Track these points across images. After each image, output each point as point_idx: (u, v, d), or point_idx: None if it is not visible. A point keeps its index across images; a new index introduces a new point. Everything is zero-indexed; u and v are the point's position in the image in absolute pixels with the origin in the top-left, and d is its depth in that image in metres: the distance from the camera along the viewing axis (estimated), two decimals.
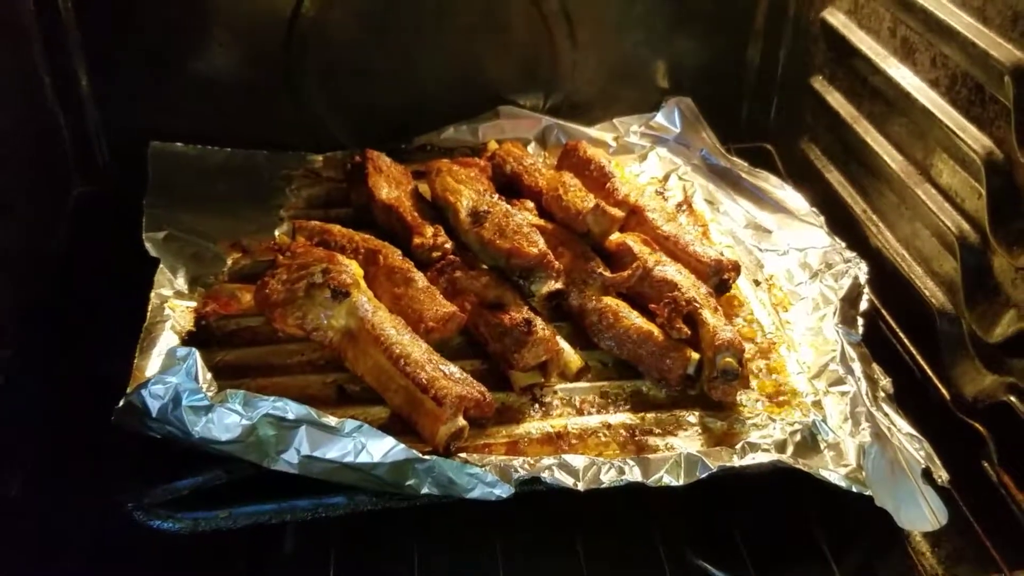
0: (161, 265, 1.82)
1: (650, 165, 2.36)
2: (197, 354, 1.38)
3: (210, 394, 1.37)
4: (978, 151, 1.65)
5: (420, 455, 1.39)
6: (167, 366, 1.38)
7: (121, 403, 1.41)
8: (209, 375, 1.41)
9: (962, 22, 1.68)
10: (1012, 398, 1.61)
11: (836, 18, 2.15)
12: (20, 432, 1.69)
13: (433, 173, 2.07)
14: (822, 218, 2.10)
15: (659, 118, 2.47)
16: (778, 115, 2.51)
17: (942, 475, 1.54)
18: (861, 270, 1.93)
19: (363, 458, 1.36)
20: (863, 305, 1.87)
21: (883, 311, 1.96)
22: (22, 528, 1.54)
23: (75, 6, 2.14)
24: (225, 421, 1.35)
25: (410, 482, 1.39)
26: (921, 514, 1.50)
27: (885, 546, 1.57)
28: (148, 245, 1.87)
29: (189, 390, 1.36)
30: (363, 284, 1.71)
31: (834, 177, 2.22)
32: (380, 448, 1.37)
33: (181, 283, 1.81)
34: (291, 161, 2.28)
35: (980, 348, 1.68)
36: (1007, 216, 1.59)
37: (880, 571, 1.58)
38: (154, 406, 1.36)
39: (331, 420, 1.38)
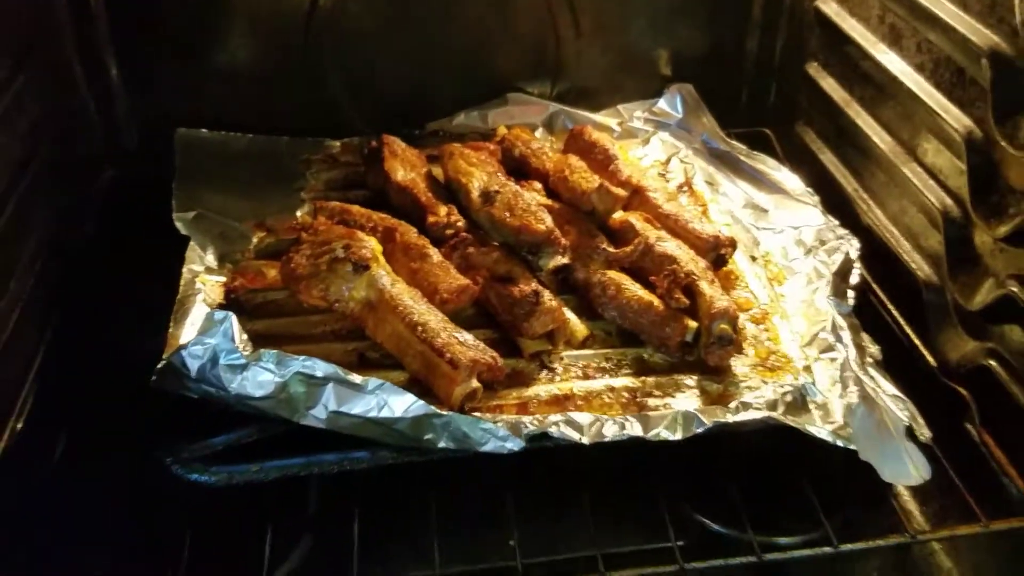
0: (191, 243, 1.92)
1: (653, 149, 2.46)
2: (233, 317, 1.50)
3: (246, 353, 1.49)
4: (959, 131, 1.75)
5: (438, 411, 1.50)
6: (205, 328, 1.50)
7: (162, 364, 1.52)
8: (245, 336, 1.52)
9: (944, 9, 1.78)
10: (992, 362, 1.71)
11: (829, 7, 2.25)
12: (62, 399, 1.80)
13: (446, 156, 2.18)
14: (817, 198, 2.19)
15: (661, 104, 2.57)
16: (776, 100, 2.61)
17: (925, 432, 1.64)
18: (853, 246, 2.03)
19: (385, 413, 1.48)
20: (854, 279, 1.96)
21: (873, 284, 2.06)
22: (67, 488, 1.64)
23: None
24: (259, 379, 1.47)
25: (428, 436, 1.50)
26: (904, 469, 1.59)
27: (873, 502, 1.67)
28: (179, 224, 1.98)
29: (226, 350, 1.47)
30: (382, 259, 1.82)
31: (828, 159, 2.32)
32: (401, 404, 1.48)
33: (211, 259, 1.92)
34: (310, 146, 2.39)
35: (963, 316, 1.78)
36: (986, 191, 1.69)
37: (867, 525, 1.68)
38: (193, 366, 1.48)
39: (356, 378, 1.49)
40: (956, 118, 1.77)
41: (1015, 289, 1.62)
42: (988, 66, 1.63)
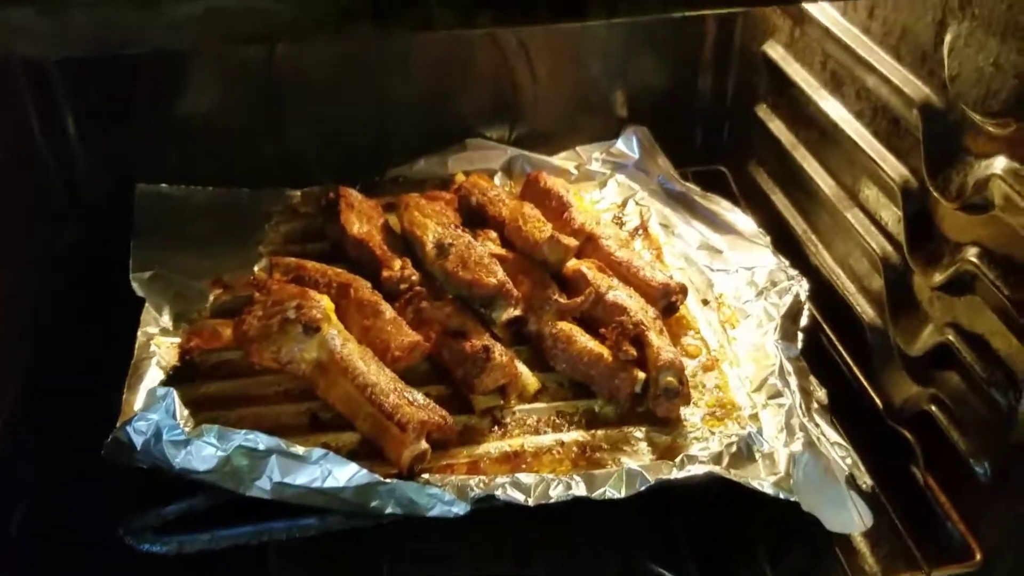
0: (147, 304, 1.94)
1: (610, 191, 2.49)
2: (175, 393, 1.52)
3: (187, 429, 1.51)
4: (896, 179, 1.78)
5: (382, 479, 1.53)
6: (148, 404, 1.52)
7: (109, 439, 1.54)
8: (186, 411, 1.55)
9: (880, 59, 1.81)
10: (934, 408, 1.73)
11: (775, 51, 2.28)
12: (19, 470, 1.81)
13: (402, 208, 2.20)
14: (768, 238, 2.22)
15: (619, 145, 2.60)
16: (729, 140, 2.64)
17: (866, 481, 1.67)
18: (802, 288, 2.06)
19: (330, 483, 1.50)
20: (804, 321, 1.99)
21: (823, 325, 2.09)
22: (24, 558, 1.66)
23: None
24: (202, 453, 1.49)
25: (374, 503, 1.52)
26: (848, 517, 1.62)
27: (819, 548, 1.69)
28: (135, 285, 1.99)
29: (168, 426, 1.50)
30: (334, 318, 1.84)
31: (779, 199, 2.35)
32: (345, 473, 1.50)
33: (166, 320, 1.94)
34: (272, 197, 2.40)
35: (906, 360, 1.81)
36: (922, 239, 1.72)
37: (813, 572, 1.71)
38: (138, 441, 1.50)
39: (299, 449, 1.51)
40: (893, 167, 1.80)
41: (951, 337, 1.65)
42: (920, 118, 1.66)
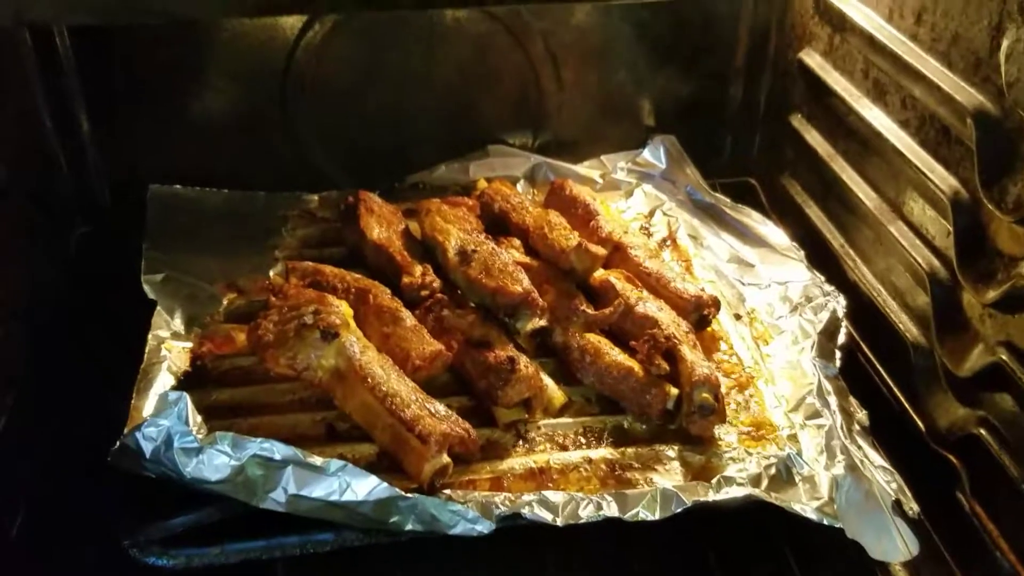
0: (158, 307, 1.87)
1: (636, 201, 2.42)
2: (187, 398, 1.44)
3: (200, 436, 1.43)
4: (945, 191, 1.70)
5: (403, 493, 1.44)
6: (159, 409, 1.44)
7: (116, 445, 1.46)
8: (199, 418, 1.47)
9: (928, 66, 1.74)
10: (982, 431, 1.65)
11: (812, 59, 2.21)
12: (21, 473, 1.75)
13: (423, 213, 2.13)
14: (802, 252, 2.15)
15: (645, 154, 2.53)
16: (760, 151, 2.57)
17: (913, 507, 1.58)
18: (839, 304, 1.98)
19: (348, 496, 1.41)
20: (841, 338, 1.91)
21: (861, 344, 2.01)
22: (24, 567, 1.59)
23: (75, 51, 2.21)
24: (215, 462, 1.41)
25: (394, 519, 1.44)
26: (893, 546, 1.54)
27: (858, 573, 1.61)
28: (146, 288, 1.93)
29: (180, 432, 1.41)
30: (352, 324, 1.77)
31: (813, 212, 2.27)
32: (364, 487, 1.42)
33: (178, 324, 1.87)
34: (288, 201, 2.34)
35: (952, 381, 1.72)
36: (973, 254, 1.64)
37: None
38: (147, 448, 1.42)
39: (317, 460, 1.43)
40: (942, 178, 1.72)
41: (1004, 357, 1.57)
42: (973, 126, 1.59)
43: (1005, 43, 1.52)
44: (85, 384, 1.87)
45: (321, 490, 1.42)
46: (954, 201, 1.68)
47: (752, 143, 2.58)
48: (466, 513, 1.45)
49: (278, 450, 1.42)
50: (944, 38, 1.70)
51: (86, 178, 2.36)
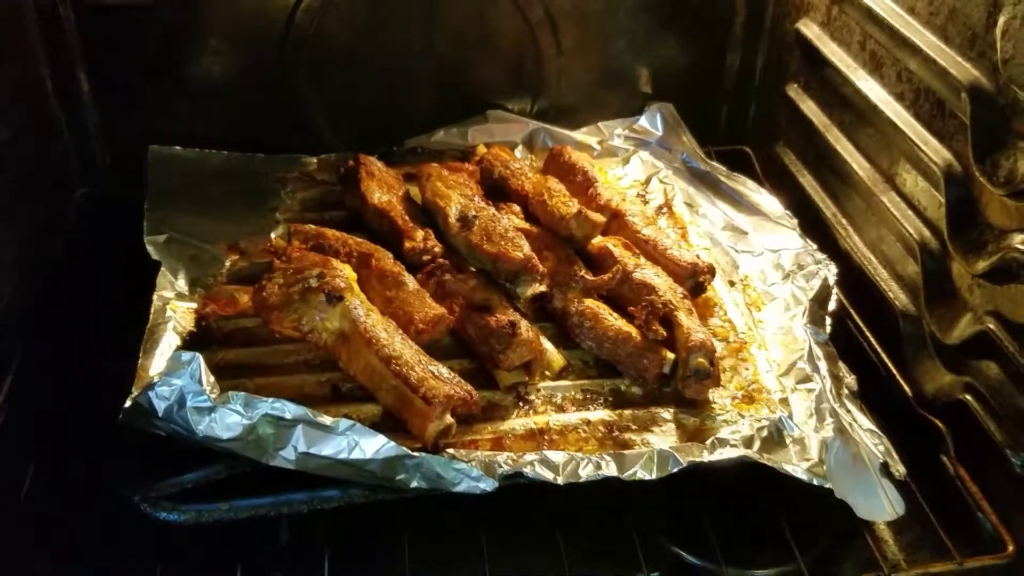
0: (162, 268, 1.89)
1: (633, 168, 2.45)
2: (200, 358, 1.48)
3: (213, 396, 1.46)
4: (938, 163, 1.74)
5: (409, 452, 1.48)
6: (172, 369, 1.47)
7: (128, 404, 1.50)
8: (212, 378, 1.50)
9: (925, 40, 1.77)
10: (968, 397, 1.70)
11: (810, 29, 2.23)
12: (28, 433, 1.77)
13: (423, 178, 2.15)
14: (795, 221, 2.18)
15: (642, 122, 2.55)
16: (756, 120, 2.60)
17: (899, 469, 1.64)
18: (831, 272, 2.02)
19: (356, 455, 1.45)
20: (832, 305, 1.96)
21: (851, 311, 2.05)
22: (33, 526, 1.62)
23: (76, 13, 2.20)
24: (227, 421, 1.45)
25: (400, 477, 1.48)
26: (880, 505, 1.60)
27: (847, 534, 1.66)
28: (150, 248, 1.94)
29: (193, 392, 1.45)
30: (356, 288, 1.80)
31: (807, 181, 2.31)
32: (372, 445, 1.46)
33: (182, 285, 1.89)
34: (287, 164, 2.35)
35: (940, 349, 1.78)
36: (964, 225, 1.68)
37: (842, 558, 1.68)
38: (160, 407, 1.45)
39: (326, 419, 1.47)
40: (935, 150, 1.76)
41: (992, 326, 1.62)
42: (968, 100, 1.62)
43: (1001, 20, 1.55)
44: (89, 344, 1.89)
45: (330, 448, 1.45)
46: (947, 173, 1.72)
47: (748, 112, 2.61)
48: (470, 471, 1.49)
49: (289, 409, 1.45)
50: (941, 12, 1.73)
51: (86, 140, 2.36)
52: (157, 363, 1.65)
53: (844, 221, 2.15)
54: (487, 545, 1.60)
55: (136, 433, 1.55)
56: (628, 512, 1.66)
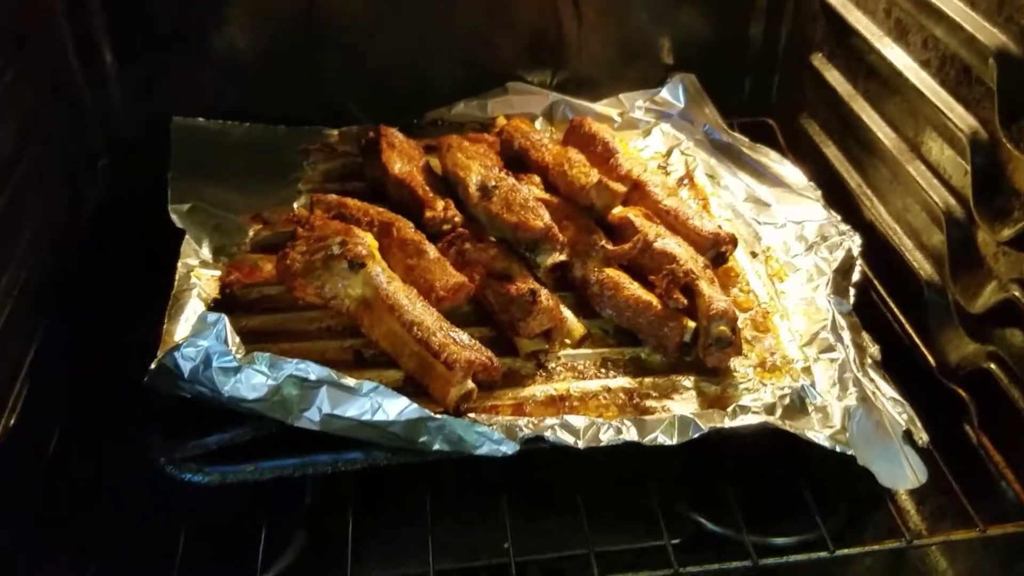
0: (187, 236, 1.91)
1: (654, 140, 2.44)
2: (226, 319, 1.49)
3: (238, 356, 1.48)
4: (964, 130, 1.72)
5: (432, 414, 1.50)
6: (198, 330, 1.49)
7: (154, 365, 1.52)
8: (237, 339, 1.51)
9: (951, 5, 1.75)
10: (992, 365, 1.70)
11: None
12: (55, 395, 1.80)
13: (444, 148, 2.16)
14: (819, 192, 2.17)
15: (664, 93, 2.54)
16: (779, 91, 2.58)
17: (923, 437, 1.63)
18: (854, 243, 2.00)
19: (379, 416, 1.47)
20: (855, 276, 1.94)
21: (875, 282, 2.05)
22: (59, 487, 1.65)
23: None
24: (252, 381, 1.46)
25: (423, 439, 1.50)
26: (903, 473, 1.59)
27: (870, 502, 1.66)
28: (174, 217, 1.96)
29: (219, 352, 1.46)
30: (378, 255, 1.81)
31: (831, 152, 2.29)
32: (395, 407, 1.47)
33: (206, 253, 1.91)
34: (308, 136, 2.37)
35: (964, 318, 1.77)
36: (990, 193, 1.67)
37: (864, 526, 1.68)
38: (186, 367, 1.47)
39: (350, 381, 1.48)
40: (961, 117, 1.75)
41: (1017, 293, 1.61)
42: (995, 66, 1.60)
43: None
44: (114, 310, 1.91)
45: (354, 410, 1.47)
46: (973, 140, 1.70)
47: (771, 83, 2.59)
48: (491, 435, 1.50)
49: (313, 371, 1.47)
50: None
51: (110, 110, 2.37)
52: (182, 328, 1.66)
53: (869, 191, 2.14)
54: (508, 508, 1.61)
55: (161, 396, 1.57)
56: (649, 479, 1.66)
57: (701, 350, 1.74)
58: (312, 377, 1.47)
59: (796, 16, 2.45)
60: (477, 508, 1.65)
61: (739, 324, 1.78)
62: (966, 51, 1.72)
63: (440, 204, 2.02)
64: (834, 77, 2.25)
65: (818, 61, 2.33)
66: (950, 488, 1.66)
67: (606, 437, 1.54)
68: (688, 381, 1.72)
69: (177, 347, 1.48)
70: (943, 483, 1.67)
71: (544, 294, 1.78)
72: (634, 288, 1.83)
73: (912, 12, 1.89)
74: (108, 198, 2.32)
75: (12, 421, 1.73)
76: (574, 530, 1.59)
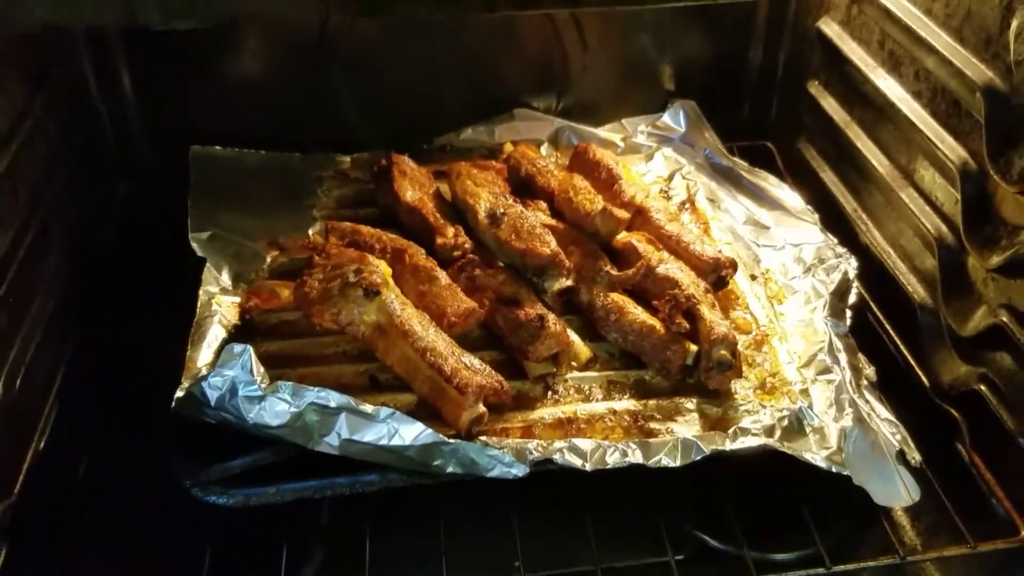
0: (207, 264, 1.98)
1: (656, 164, 2.51)
2: (251, 350, 1.56)
3: (263, 386, 1.55)
4: (954, 161, 1.79)
5: (446, 439, 1.57)
6: (225, 360, 1.56)
7: (182, 393, 1.59)
8: (262, 369, 1.58)
9: (941, 41, 1.81)
10: (983, 387, 1.76)
11: (831, 28, 2.28)
12: (83, 418, 1.87)
13: (454, 176, 2.23)
14: (816, 215, 2.24)
15: (665, 118, 2.61)
16: (777, 115, 2.65)
17: (915, 457, 1.70)
18: (851, 265, 2.07)
19: (396, 441, 1.54)
20: (852, 298, 2.01)
21: (871, 303, 2.11)
22: (90, 507, 1.71)
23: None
24: (276, 409, 1.54)
25: (437, 462, 1.57)
26: (896, 491, 1.66)
27: (866, 520, 1.72)
28: (195, 245, 2.03)
29: (245, 382, 1.54)
30: (391, 283, 1.88)
31: (828, 176, 2.36)
32: (411, 432, 1.54)
33: (225, 279, 1.98)
34: (322, 162, 2.43)
35: (956, 340, 1.83)
36: (979, 221, 1.74)
37: (860, 543, 1.74)
38: (213, 396, 1.55)
39: (368, 407, 1.56)
40: (951, 148, 1.81)
41: (1005, 319, 1.67)
42: (982, 101, 1.67)
43: (1014, 23, 1.60)
44: (136, 336, 1.96)
45: (372, 435, 1.54)
46: (962, 170, 1.77)
47: (769, 108, 2.66)
48: (502, 458, 1.57)
49: (333, 398, 1.54)
50: (958, 14, 1.78)
51: (129, 137, 2.45)
52: (204, 355, 1.73)
53: (864, 216, 2.21)
54: (518, 527, 1.67)
55: (185, 420, 1.64)
56: (654, 498, 1.73)
57: (703, 373, 1.81)
58: (332, 404, 1.54)
59: (793, 44, 2.52)
60: (489, 526, 1.70)
61: (739, 347, 1.85)
62: (956, 84, 1.78)
63: (451, 231, 2.09)
64: (830, 104, 2.32)
65: (814, 88, 2.40)
66: (943, 505, 1.72)
67: (612, 459, 1.61)
68: (691, 403, 1.79)
69: (205, 377, 1.55)
70: (936, 500, 1.73)
71: (552, 319, 1.85)
72: (638, 313, 1.90)
73: (904, 44, 1.96)
74: (126, 222, 2.39)
75: (42, 444, 1.81)
76: (581, 547, 1.65)
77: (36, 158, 1.99)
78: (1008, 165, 1.64)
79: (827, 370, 1.84)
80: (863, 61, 2.13)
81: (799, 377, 1.85)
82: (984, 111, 1.67)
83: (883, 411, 1.77)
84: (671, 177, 2.45)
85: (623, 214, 2.07)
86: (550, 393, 1.81)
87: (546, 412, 1.77)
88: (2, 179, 1.80)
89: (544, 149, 2.53)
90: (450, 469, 1.57)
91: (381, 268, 1.88)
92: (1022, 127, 1.61)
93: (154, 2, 0.95)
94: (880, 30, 2.07)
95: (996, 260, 1.68)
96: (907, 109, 1.95)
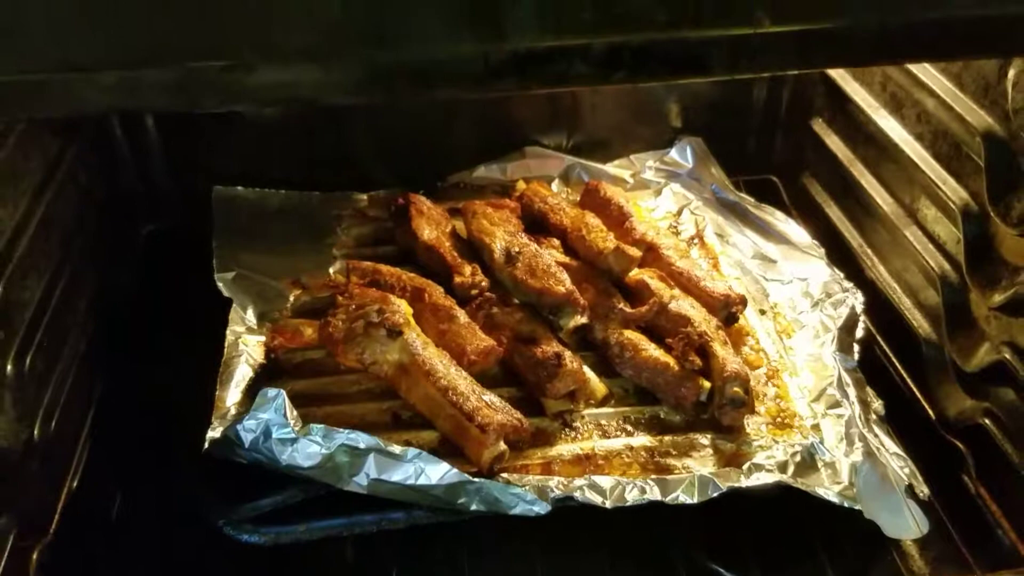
0: (234, 304, 2.04)
1: (664, 200, 2.57)
2: (284, 394, 1.63)
3: (296, 428, 1.61)
4: (956, 202, 1.85)
5: (471, 478, 1.62)
6: (259, 404, 1.62)
7: (216, 434, 1.65)
8: (295, 412, 1.64)
9: (941, 85, 1.88)
10: (987, 421, 1.81)
11: (834, 69, 2.35)
12: (115, 459, 1.93)
13: (469, 215, 2.30)
14: (822, 250, 2.29)
15: (673, 154, 2.67)
16: (782, 151, 2.70)
17: (924, 490, 1.75)
18: (858, 300, 2.13)
19: (422, 480, 1.60)
20: (859, 332, 2.06)
21: (878, 338, 2.17)
22: (124, 544, 1.77)
23: None
24: (308, 450, 1.60)
25: (461, 500, 1.62)
26: (906, 524, 1.71)
27: (876, 551, 1.77)
28: (220, 285, 2.08)
29: (278, 424, 1.60)
30: (413, 322, 1.94)
31: (833, 212, 2.42)
32: (437, 472, 1.60)
33: (251, 319, 2.03)
34: (340, 201, 2.49)
35: (960, 375, 1.88)
36: (981, 260, 1.79)
37: (871, 573, 1.79)
38: (247, 438, 1.61)
39: (395, 448, 1.61)
40: (953, 189, 1.88)
41: (1008, 356, 1.73)
42: (982, 146, 1.74)
43: (1012, 72, 1.67)
44: (164, 376, 2.03)
45: (399, 475, 1.60)
46: (964, 211, 1.83)
47: (774, 143, 2.72)
48: (525, 496, 1.63)
49: (362, 440, 1.60)
50: (957, 61, 1.85)
51: (153, 181, 2.52)
52: (232, 394, 1.80)
53: (869, 251, 2.27)
54: (540, 559, 1.73)
55: (215, 459, 1.70)
56: (669, 530, 1.78)
57: (716, 409, 1.87)
58: (361, 446, 1.60)
59: (797, 83, 2.58)
60: (511, 561, 1.75)
61: (751, 383, 1.90)
62: (956, 128, 1.84)
63: (468, 269, 2.15)
64: (834, 142, 2.39)
65: (819, 126, 2.46)
66: (950, 535, 1.77)
67: (631, 496, 1.66)
68: (705, 439, 1.84)
69: (239, 419, 1.61)
70: (944, 531, 1.78)
71: (568, 356, 1.90)
72: (651, 349, 1.96)
73: (906, 88, 2.02)
74: (152, 262, 2.45)
75: (75, 484, 1.86)
76: None
77: (68, 205, 2.06)
78: (1008, 208, 1.70)
79: (837, 404, 1.89)
80: (866, 102, 2.20)
81: (810, 412, 1.90)
82: (984, 155, 1.73)
83: (891, 445, 1.82)
84: (680, 212, 2.51)
85: (635, 252, 2.13)
86: (568, 429, 1.86)
87: (564, 448, 1.82)
88: (38, 227, 1.87)
89: (555, 186, 2.59)
90: (474, 507, 1.62)
91: (403, 308, 1.94)
92: (1020, 172, 1.68)
93: (215, 90, 1.01)
94: (882, 72, 2.14)
95: (998, 299, 1.74)
96: (909, 150, 2.02)
